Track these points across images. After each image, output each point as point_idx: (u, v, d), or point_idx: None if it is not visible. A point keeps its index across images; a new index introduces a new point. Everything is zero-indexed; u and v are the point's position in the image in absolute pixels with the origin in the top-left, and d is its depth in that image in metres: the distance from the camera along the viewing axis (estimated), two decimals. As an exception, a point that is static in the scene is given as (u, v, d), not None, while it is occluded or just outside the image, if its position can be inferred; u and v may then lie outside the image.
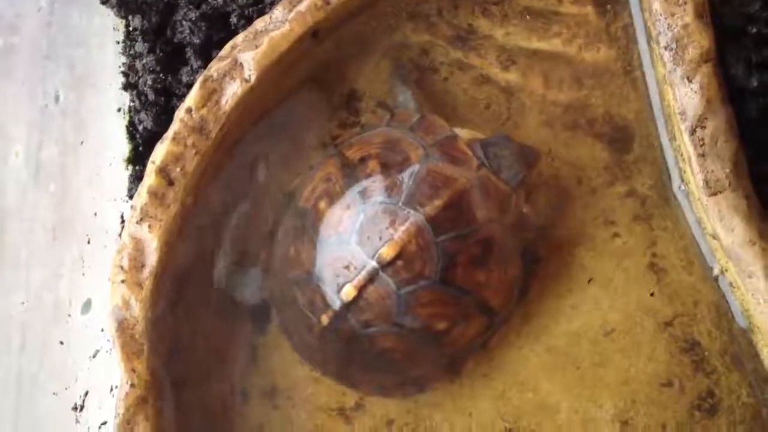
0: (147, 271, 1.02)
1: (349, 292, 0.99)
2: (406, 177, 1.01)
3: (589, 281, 1.07)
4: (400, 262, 0.98)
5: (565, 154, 1.10)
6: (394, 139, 1.05)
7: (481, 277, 1.01)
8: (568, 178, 1.09)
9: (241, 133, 1.07)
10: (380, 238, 0.99)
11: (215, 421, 1.06)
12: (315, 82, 1.11)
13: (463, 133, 1.06)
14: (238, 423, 1.06)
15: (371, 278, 0.99)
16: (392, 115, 1.09)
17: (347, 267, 1.00)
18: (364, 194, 1.01)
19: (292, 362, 1.08)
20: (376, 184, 1.02)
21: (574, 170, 1.09)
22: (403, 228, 0.99)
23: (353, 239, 1.00)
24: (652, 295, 1.05)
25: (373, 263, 0.99)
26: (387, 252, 0.98)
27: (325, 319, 1.02)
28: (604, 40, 1.10)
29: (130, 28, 1.19)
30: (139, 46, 1.17)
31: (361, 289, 0.99)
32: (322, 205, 1.04)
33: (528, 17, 1.11)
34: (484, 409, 1.06)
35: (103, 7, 1.19)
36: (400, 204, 1.00)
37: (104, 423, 1.08)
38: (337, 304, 1.01)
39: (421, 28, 1.11)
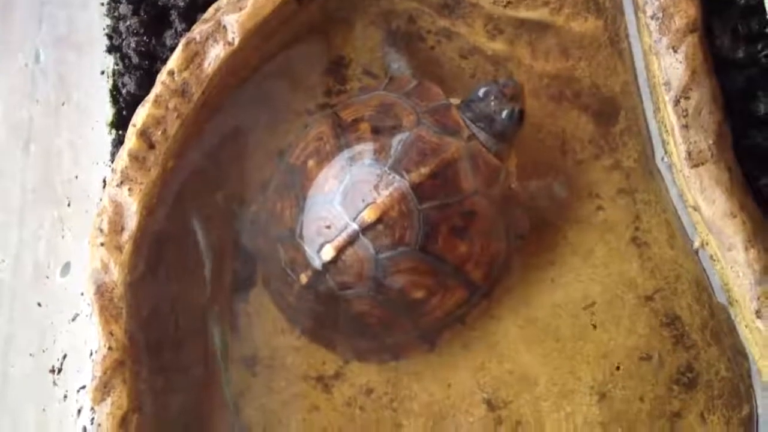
0: (126, 235, 1.01)
1: (328, 252, 0.99)
2: (395, 142, 1.01)
3: (571, 254, 1.06)
4: (380, 227, 0.98)
5: (550, 126, 1.09)
6: (388, 103, 1.05)
7: (463, 248, 1.01)
8: (554, 150, 1.09)
9: (224, 97, 1.06)
10: (363, 201, 0.99)
11: (193, 386, 1.05)
12: (300, 48, 1.10)
13: (458, 102, 1.05)
14: (217, 389, 1.06)
15: (351, 240, 0.99)
16: (390, 79, 1.09)
17: (329, 227, 1.00)
18: (352, 156, 1.01)
19: (273, 331, 1.08)
20: (365, 147, 1.01)
21: (560, 142, 1.09)
22: (386, 192, 0.98)
23: (337, 200, 1.00)
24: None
25: (354, 225, 0.98)
26: (368, 215, 0.98)
27: (304, 278, 1.02)
28: (592, 10, 1.09)
29: (115, -11, 1.18)
30: (124, 8, 1.15)
31: (341, 251, 0.99)
32: (311, 163, 1.04)
33: (516, -15, 1.10)
34: (463, 380, 1.05)
35: (87, -32, 1.18)
36: (387, 169, 0.99)
37: (83, 387, 1.08)
38: (316, 264, 1.01)
39: (409, -6, 1.11)
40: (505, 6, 1.11)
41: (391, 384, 1.06)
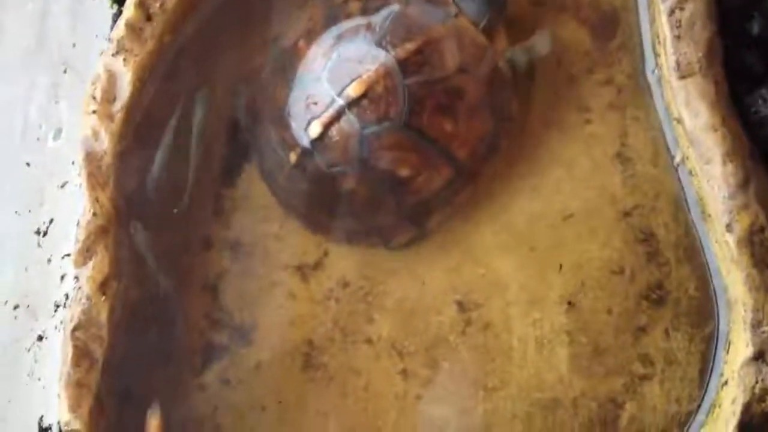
0: (119, 105, 1.03)
1: (315, 128, 1.01)
2: (382, 19, 1.02)
3: (554, 164, 1.07)
4: (365, 101, 1.00)
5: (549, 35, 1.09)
6: None
7: (448, 125, 1.02)
8: (548, 60, 1.09)
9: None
10: (349, 77, 1.00)
11: (175, 261, 1.08)
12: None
13: None
14: (197, 268, 1.08)
15: (337, 116, 1.00)
16: None
17: (316, 104, 1.02)
18: (340, 34, 1.03)
19: (257, 218, 1.10)
20: (353, 24, 1.03)
21: (555, 53, 1.09)
22: (371, 67, 1.00)
23: (324, 77, 1.02)
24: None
25: (340, 101, 1.00)
26: (353, 90, 0.99)
27: (293, 157, 1.04)
28: None
29: None
30: None
31: (327, 126, 1.01)
32: (302, 43, 1.06)
33: None
34: (437, 281, 1.07)
35: None
36: (373, 44, 1.01)
37: (67, 255, 1.09)
38: (304, 141, 1.03)
39: None
40: None
41: (368, 279, 1.08)
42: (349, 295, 1.07)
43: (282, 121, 1.05)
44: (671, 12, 0.96)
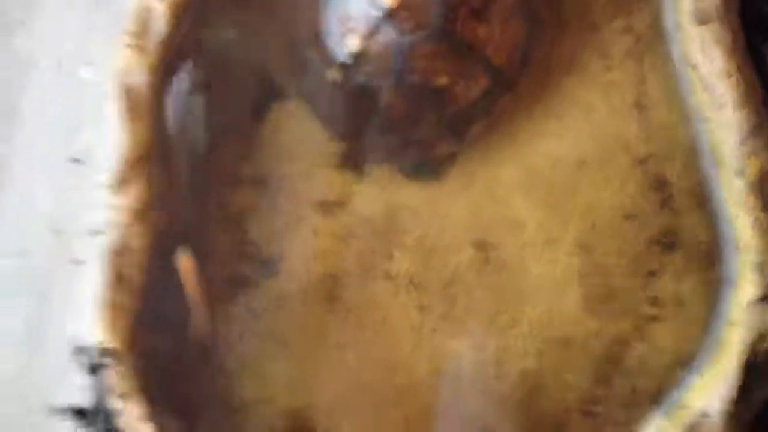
0: (154, 38, 1.06)
1: (353, 42, 1.03)
2: None
3: (574, 109, 1.10)
4: (401, 11, 1.01)
5: (572, -15, 1.12)
6: None
7: (483, 31, 1.03)
8: (570, 11, 1.11)
9: None
10: None
11: (205, 197, 1.11)
12: None
13: None
14: (225, 204, 1.12)
15: (374, 27, 1.02)
16: None
17: (352, 18, 1.04)
18: None
19: (284, 157, 1.13)
20: None
21: (576, 3, 1.11)
22: None
23: None
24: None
25: (376, 12, 1.02)
26: (389, 0, 1.01)
27: (333, 74, 1.06)
28: None
29: None
30: None
31: (365, 39, 1.03)
32: None
33: None
34: (457, 218, 1.10)
35: None
36: None
37: (105, 184, 1.10)
38: (343, 58, 1.05)
39: None
40: None
41: (388, 218, 1.11)
42: (370, 232, 1.11)
43: (319, 41, 1.07)
44: (691, -41, 0.99)
